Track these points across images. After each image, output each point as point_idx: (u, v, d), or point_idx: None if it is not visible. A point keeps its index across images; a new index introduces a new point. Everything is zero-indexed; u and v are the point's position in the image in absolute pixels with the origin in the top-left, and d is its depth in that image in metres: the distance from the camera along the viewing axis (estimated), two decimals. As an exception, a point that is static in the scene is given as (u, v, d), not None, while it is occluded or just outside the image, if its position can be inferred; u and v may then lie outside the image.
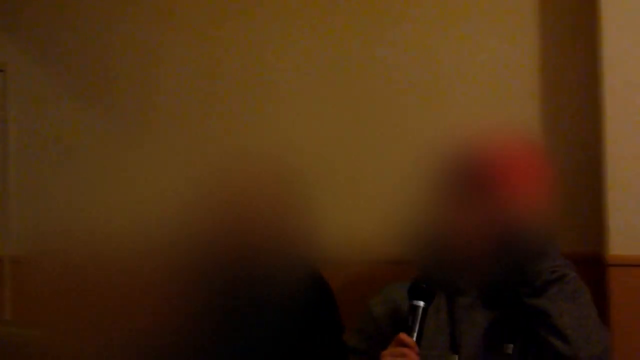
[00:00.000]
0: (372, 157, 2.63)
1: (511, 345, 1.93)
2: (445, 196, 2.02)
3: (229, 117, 2.78)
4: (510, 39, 2.51)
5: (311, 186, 2.31)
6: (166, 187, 2.78)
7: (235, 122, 2.76)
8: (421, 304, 1.92)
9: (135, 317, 2.06)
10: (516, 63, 2.50)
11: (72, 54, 3.01)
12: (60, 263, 2.77)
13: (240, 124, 2.75)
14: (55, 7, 3.04)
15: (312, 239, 2.24)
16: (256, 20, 2.78)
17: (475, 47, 2.55)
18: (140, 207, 2.82)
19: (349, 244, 2.56)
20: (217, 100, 2.80)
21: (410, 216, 2.06)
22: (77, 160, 2.95)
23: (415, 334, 1.88)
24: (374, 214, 2.55)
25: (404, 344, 1.86)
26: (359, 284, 2.55)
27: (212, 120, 2.79)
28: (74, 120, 2.98)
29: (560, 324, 1.83)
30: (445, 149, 2.05)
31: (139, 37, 2.91)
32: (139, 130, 2.88)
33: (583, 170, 2.38)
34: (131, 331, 2.06)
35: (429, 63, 2.58)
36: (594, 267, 2.27)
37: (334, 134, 2.66)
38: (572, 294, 1.87)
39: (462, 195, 2.00)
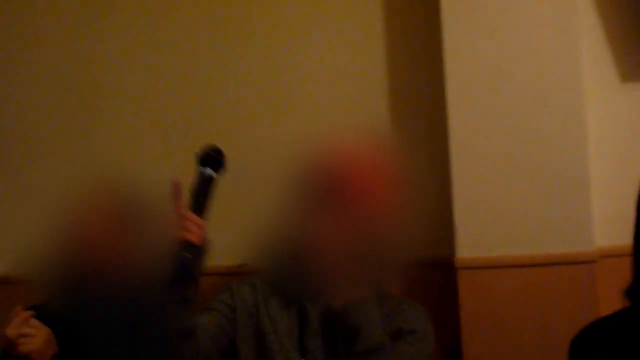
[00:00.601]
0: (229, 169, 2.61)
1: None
2: (294, 205, 2.04)
3: (79, 139, 2.72)
4: (357, 46, 2.55)
5: (160, 200, 2.30)
6: (22, 213, 2.72)
7: (84, 144, 2.71)
8: (213, 174, 1.93)
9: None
10: (363, 70, 2.54)
11: None
12: None
13: (88, 144, 2.71)
14: None
15: (162, 249, 2.23)
16: (103, 35, 2.72)
17: (323, 57, 2.57)
18: None
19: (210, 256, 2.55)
20: (64, 123, 2.74)
21: (260, 224, 2.07)
22: None
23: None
24: (232, 226, 2.56)
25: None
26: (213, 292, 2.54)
27: (63, 143, 2.73)
28: None
29: None
30: (299, 158, 2.06)
31: None
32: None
33: (432, 176, 2.44)
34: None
35: (281, 72, 2.59)
36: (446, 270, 2.34)
37: (187, 148, 2.62)
38: None
39: (311, 204, 2.02)
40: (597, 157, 2.29)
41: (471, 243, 2.26)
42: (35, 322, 2.12)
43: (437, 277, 2.41)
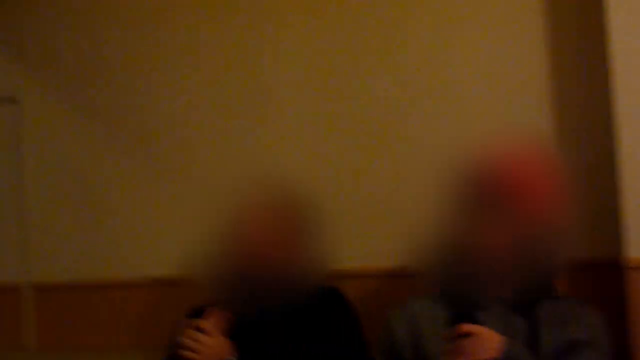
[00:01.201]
0: (387, 170, 2.61)
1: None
2: (462, 209, 2.01)
3: (242, 142, 2.76)
4: (519, 44, 2.50)
5: (326, 205, 2.33)
6: (185, 216, 2.79)
7: (247, 146, 2.75)
8: None
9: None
10: (526, 68, 2.49)
11: (85, 82, 2.97)
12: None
13: (251, 147, 2.75)
14: (67, 35, 3.00)
15: (327, 255, 2.25)
16: (265, 36, 2.76)
17: (484, 55, 2.54)
18: (160, 236, 2.85)
19: (367, 258, 2.56)
20: (227, 125, 2.79)
21: (427, 229, 2.06)
22: (95, 194, 2.94)
23: None
24: (391, 228, 2.56)
25: None
26: (378, 297, 2.54)
27: (226, 146, 2.78)
28: (89, 151, 2.95)
29: None
30: (460, 160, 2.04)
31: (148, 62, 2.90)
32: (155, 159, 2.88)
33: (597, 173, 2.37)
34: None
35: (439, 72, 2.57)
36: (613, 270, 2.26)
37: (345, 148, 2.66)
38: None
39: (480, 207, 1.99)
40: None
41: (643, 242, 2.18)
42: (211, 326, 2.14)
43: (602, 278, 2.35)
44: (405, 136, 2.60)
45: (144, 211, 2.87)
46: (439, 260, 2.05)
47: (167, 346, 2.26)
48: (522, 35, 2.51)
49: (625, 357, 2.18)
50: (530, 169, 2.02)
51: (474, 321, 1.90)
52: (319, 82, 2.69)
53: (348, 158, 2.65)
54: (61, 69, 2.99)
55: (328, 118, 2.68)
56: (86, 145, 2.95)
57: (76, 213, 2.95)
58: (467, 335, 1.86)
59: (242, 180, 2.50)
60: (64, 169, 2.98)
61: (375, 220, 2.59)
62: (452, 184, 2.04)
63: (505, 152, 2.03)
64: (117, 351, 2.84)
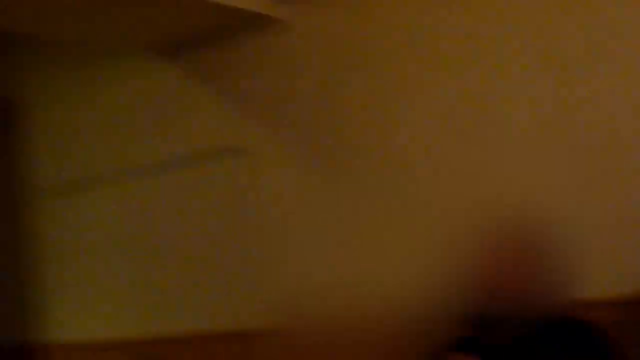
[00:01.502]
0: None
1: None
2: None
3: (460, 169, 2.66)
4: None
5: (565, 228, 2.21)
6: (406, 246, 2.72)
7: (468, 172, 2.64)
8: None
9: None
10: None
11: (307, 129, 3.03)
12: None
13: (474, 165, 2.63)
14: (280, 83, 3.08)
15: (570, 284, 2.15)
16: (479, 41, 2.65)
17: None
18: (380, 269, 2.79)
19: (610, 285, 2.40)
20: (445, 153, 2.70)
21: None
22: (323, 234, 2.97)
23: None
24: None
25: None
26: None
27: (447, 173, 2.69)
28: (314, 195, 3.01)
29: None
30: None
31: (368, 99, 2.90)
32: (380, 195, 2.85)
33: None
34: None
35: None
36: None
37: (584, 165, 2.47)
38: None
39: None
40: None
41: None
42: None
43: None
44: None
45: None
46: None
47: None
48: None
49: None
50: None
51: None
52: (550, 96, 2.51)
53: (587, 175, 2.45)
54: (289, 117, 3.07)
55: (561, 133, 2.49)
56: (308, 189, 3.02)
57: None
58: None
59: (472, 209, 2.44)
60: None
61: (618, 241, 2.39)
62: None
63: None
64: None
